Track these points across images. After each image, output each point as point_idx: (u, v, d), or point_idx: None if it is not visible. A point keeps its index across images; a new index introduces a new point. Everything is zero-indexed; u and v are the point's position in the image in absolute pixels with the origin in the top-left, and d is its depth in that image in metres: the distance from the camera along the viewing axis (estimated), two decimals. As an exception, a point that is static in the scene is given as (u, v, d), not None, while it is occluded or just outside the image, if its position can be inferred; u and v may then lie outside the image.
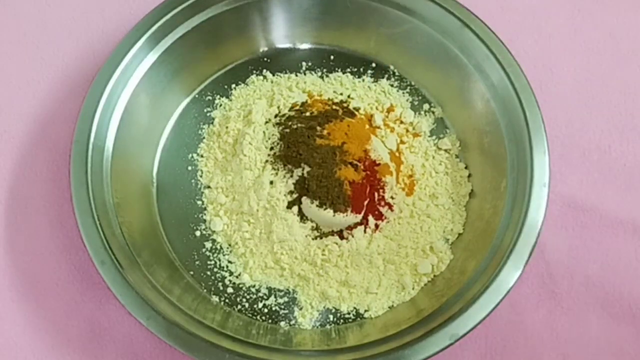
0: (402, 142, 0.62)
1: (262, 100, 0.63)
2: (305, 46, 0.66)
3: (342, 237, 0.58)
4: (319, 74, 0.65)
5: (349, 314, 0.57)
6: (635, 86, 0.66)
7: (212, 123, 0.63)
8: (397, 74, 0.65)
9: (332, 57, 0.66)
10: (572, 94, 0.65)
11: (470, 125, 0.62)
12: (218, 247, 0.59)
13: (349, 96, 0.64)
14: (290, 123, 0.60)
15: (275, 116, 0.61)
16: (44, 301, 0.58)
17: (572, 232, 0.61)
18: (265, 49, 0.65)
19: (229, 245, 0.59)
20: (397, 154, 0.61)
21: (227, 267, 0.58)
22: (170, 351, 0.57)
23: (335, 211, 0.57)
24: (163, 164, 0.62)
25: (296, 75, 0.65)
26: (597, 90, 0.65)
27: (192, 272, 0.58)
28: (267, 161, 0.59)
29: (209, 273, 0.58)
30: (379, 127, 0.62)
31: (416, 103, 0.64)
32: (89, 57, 0.66)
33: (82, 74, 0.65)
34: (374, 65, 0.65)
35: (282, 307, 0.57)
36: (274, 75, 0.65)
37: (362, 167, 0.58)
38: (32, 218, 0.60)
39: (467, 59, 0.60)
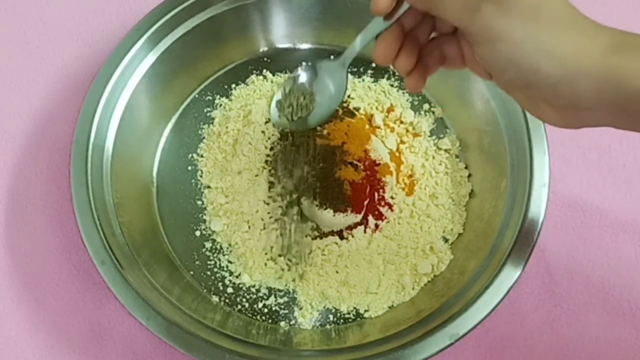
0: (402, 142, 0.62)
1: (262, 100, 0.63)
2: (305, 46, 0.66)
3: (342, 237, 0.58)
4: (319, 74, 0.65)
5: (348, 314, 0.57)
6: (635, 86, 0.66)
7: (212, 123, 0.63)
8: (397, 74, 0.65)
9: (332, 57, 0.66)
10: (572, 94, 0.65)
11: (470, 125, 0.62)
12: (218, 247, 0.59)
13: (349, 96, 0.64)
14: (290, 123, 0.60)
15: (275, 116, 0.61)
16: (44, 301, 0.58)
17: (572, 232, 0.61)
18: (265, 49, 0.66)
19: (229, 245, 0.59)
20: (397, 154, 0.61)
21: (227, 267, 0.58)
22: (170, 351, 0.57)
23: (335, 211, 0.57)
24: (163, 164, 0.62)
25: (296, 75, 0.65)
26: (597, 90, 0.65)
27: (192, 272, 0.58)
28: (266, 161, 0.59)
29: (209, 273, 0.58)
30: (379, 127, 0.62)
31: (416, 103, 0.64)
32: (89, 57, 0.66)
33: (82, 74, 0.65)
34: (374, 65, 0.65)
35: (282, 307, 0.57)
36: (274, 75, 0.65)
37: (362, 167, 0.58)
38: (32, 218, 0.60)
39: (467, 59, 0.60)
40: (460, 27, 0.40)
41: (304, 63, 0.53)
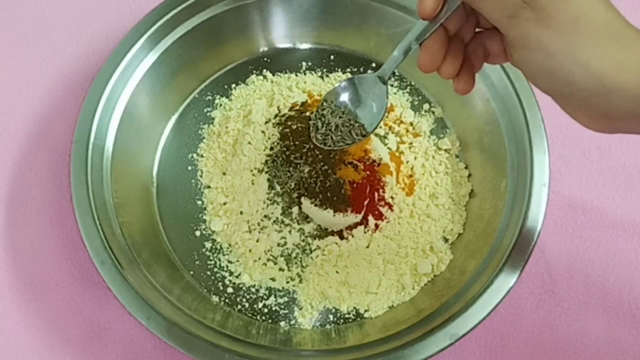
0: (402, 142, 0.62)
1: (262, 100, 0.63)
2: (305, 46, 0.66)
3: (342, 237, 0.58)
4: (319, 74, 0.65)
5: (348, 314, 0.57)
6: (635, 86, 0.65)
7: (212, 123, 0.63)
8: (397, 74, 0.65)
9: (332, 57, 0.66)
10: (572, 94, 0.65)
11: (470, 125, 0.62)
12: (218, 247, 0.59)
13: (348, 96, 0.64)
14: (290, 123, 0.60)
15: (275, 116, 0.61)
16: (44, 301, 0.58)
17: (572, 232, 0.61)
18: (265, 49, 0.66)
19: (229, 245, 0.59)
20: (397, 154, 0.61)
21: (227, 267, 0.58)
22: (170, 351, 0.57)
23: (335, 211, 0.57)
24: (163, 164, 0.62)
25: (296, 75, 0.65)
26: (597, 90, 0.65)
27: (192, 272, 0.58)
28: (266, 161, 0.59)
29: (208, 273, 0.58)
30: (379, 127, 0.62)
31: (416, 103, 0.64)
32: (89, 57, 0.66)
33: (82, 74, 0.65)
34: (374, 65, 0.65)
35: (282, 307, 0.57)
36: (274, 75, 0.65)
37: (362, 167, 0.58)
38: (32, 218, 0.60)
39: (467, 59, 0.60)
40: (498, 28, 0.40)
41: (343, 82, 0.50)
